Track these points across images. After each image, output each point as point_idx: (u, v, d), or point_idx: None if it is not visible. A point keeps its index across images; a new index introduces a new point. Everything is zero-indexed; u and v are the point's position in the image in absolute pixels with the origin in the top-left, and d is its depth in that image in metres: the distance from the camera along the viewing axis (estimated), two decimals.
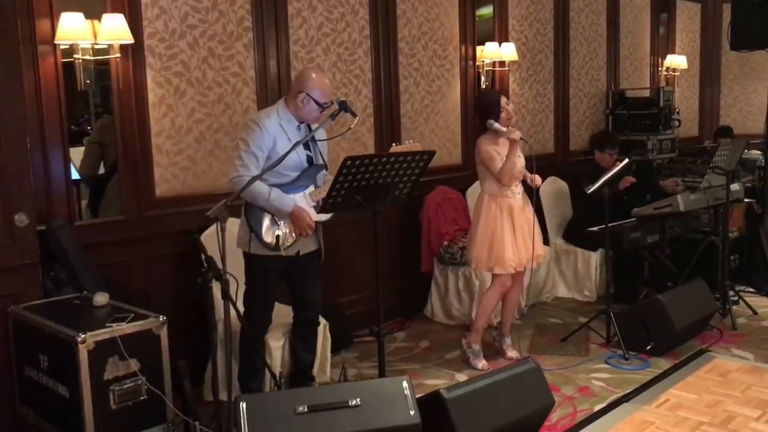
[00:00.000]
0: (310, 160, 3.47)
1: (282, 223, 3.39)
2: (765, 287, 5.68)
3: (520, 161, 4.24)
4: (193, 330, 3.86)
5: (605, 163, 5.54)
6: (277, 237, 3.37)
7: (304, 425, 2.72)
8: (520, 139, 4.12)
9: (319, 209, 3.34)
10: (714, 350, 4.51)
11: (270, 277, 3.50)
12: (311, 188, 3.47)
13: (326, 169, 3.56)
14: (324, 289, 3.78)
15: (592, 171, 5.37)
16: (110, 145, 3.95)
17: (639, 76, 7.75)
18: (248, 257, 3.46)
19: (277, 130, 3.37)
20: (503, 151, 4.19)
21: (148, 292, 3.92)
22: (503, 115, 4.20)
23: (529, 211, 4.29)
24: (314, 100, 3.39)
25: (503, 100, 4.24)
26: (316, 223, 3.48)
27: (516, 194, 4.27)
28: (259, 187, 3.27)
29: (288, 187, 3.39)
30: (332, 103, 3.41)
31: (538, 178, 4.21)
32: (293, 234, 3.41)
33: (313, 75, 3.45)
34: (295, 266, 3.52)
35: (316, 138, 3.51)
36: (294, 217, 3.37)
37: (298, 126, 3.46)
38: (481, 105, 4.43)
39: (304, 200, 3.44)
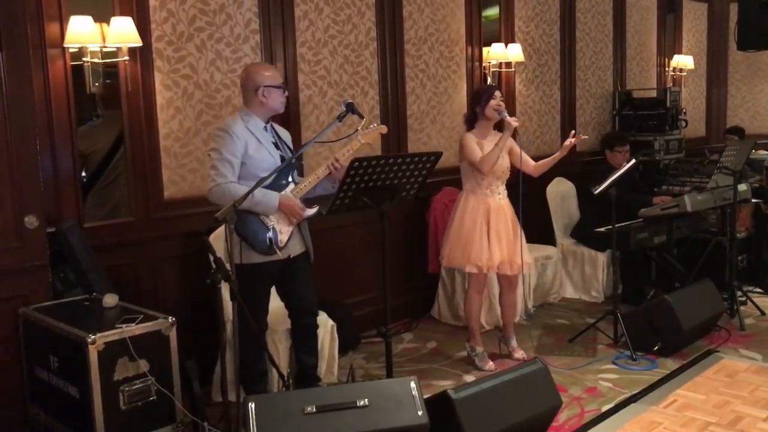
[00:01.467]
0: (283, 160, 3.47)
1: (271, 224, 3.38)
2: None
3: (504, 161, 4.24)
4: (202, 331, 3.88)
5: (616, 161, 5.54)
6: (270, 240, 3.37)
7: (313, 425, 2.73)
8: (515, 129, 4.11)
9: (327, 210, 3.35)
10: (722, 351, 4.50)
11: (263, 284, 3.49)
12: (291, 186, 3.47)
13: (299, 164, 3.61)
14: (331, 290, 3.80)
15: (603, 171, 5.36)
16: (92, 154, 3.94)
17: (646, 76, 7.74)
18: (239, 269, 3.30)
19: (246, 134, 3.37)
20: (489, 148, 4.18)
21: (157, 293, 3.95)
22: (493, 102, 4.18)
23: (513, 217, 4.29)
24: (272, 86, 3.42)
25: (497, 92, 4.25)
26: (301, 223, 3.49)
27: (496, 194, 4.27)
28: (241, 190, 3.21)
29: (270, 188, 3.37)
30: (285, 87, 3.51)
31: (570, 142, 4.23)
32: (285, 232, 3.41)
33: (258, 67, 3.55)
34: (287, 270, 3.51)
35: (318, 140, 3.53)
36: (283, 207, 3.36)
37: (265, 126, 3.47)
38: (475, 92, 4.46)
39: None
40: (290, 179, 3.49)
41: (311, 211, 3.45)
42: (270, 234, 3.36)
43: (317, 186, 3.45)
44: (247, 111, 3.45)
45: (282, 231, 3.40)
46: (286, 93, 3.52)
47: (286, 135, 3.65)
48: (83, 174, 3.94)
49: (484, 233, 4.20)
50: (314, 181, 3.42)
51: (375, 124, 3.59)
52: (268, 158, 3.38)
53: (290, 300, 3.66)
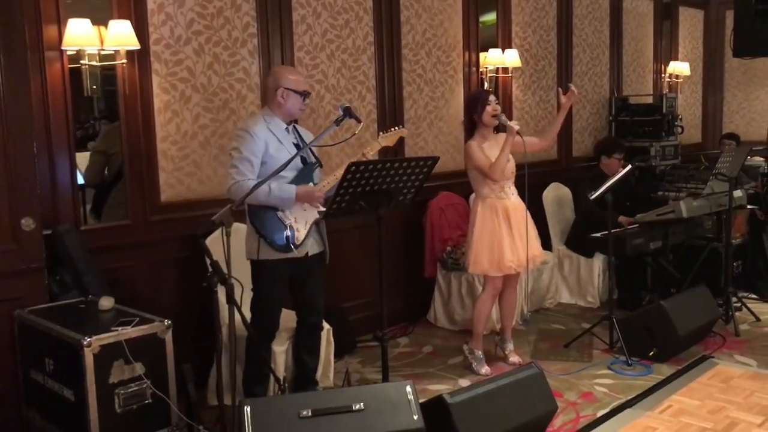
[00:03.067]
0: (303, 159, 3.50)
1: (288, 222, 3.40)
2: None
3: (511, 164, 4.27)
4: (198, 334, 3.88)
5: (613, 168, 5.52)
6: (287, 238, 3.39)
7: (308, 429, 2.73)
8: (517, 133, 4.12)
9: (324, 214, 3.36)
10: (717, 356, 4.51)
11: (280, 282, 3.51)
12: (310, 186, 3.48)
13: (320, 166, 3.60)
14: (327, 294, 3.79)
15: (595, 178, 5.39)
16: (115, 154, 3.95)
17: (642, 82, 7.77)
18: (257, 265, 3.47)
19: (267, 134, 3.41)
20: (491, 152, 4.20)
21: (153, 296, 3.94)
22: (489, 109, 4.20)
23: (525, 212, 4.31)
24: (292, 90, 3.44)
25: (492, 97, 4.26)
26: (319, 223, 3.51)
27: (510, 195, 4.29)
28: (260, 188, 3.26)
29: None
30: (307, 93, 3.52)
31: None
32: (302, 230, 3.43)
33: (284, 69, 3.62)
34: (302, 268, 3.54)
35: (316, 144, 3.55)
36: (302, 197, 3.39)
37: (286, 128, 3.50)
38: (470, 99, 4.42)
39: None
40: (311, 179, 3.51)
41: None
42: (287, 232, 3.40)
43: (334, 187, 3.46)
44: (269, 111, 3.49)
45: (299, 229, 3.43)
46: (307, 101, 3.52)
47: (308, 136, 3.64)
48: (105, 173, 3.98)
49: (508, 235, 4.22)
50: (333, 181, 3.44)
51: (396, 127, 3.63)
52: (288, 158, 3.37)
53: (300, 298, 3.68)
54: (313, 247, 3.53)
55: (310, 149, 3.56)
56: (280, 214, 3.40)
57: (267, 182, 3.27)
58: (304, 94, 3.49)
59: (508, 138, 4.15)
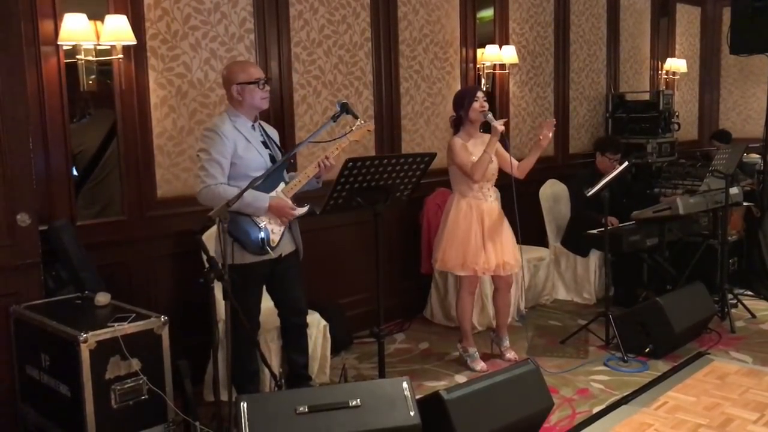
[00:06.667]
0: (272, 159, 3.45)
1: (262, 224, 3.38)
2: (763, 291, 5.70)
3: (493, 165, 4.21)
4: (194, 330, 3.87)
5: (603, 166, 5.55)
6: (262, 240, 3.37)
7: (305, 425, 2.73)
8: (501, 133, 4.05)
9: (321, 210, 3.35)
10: (712, 353, 4.52)
11: (255, 284, 3.48)
12: (282, 185, 3.46)
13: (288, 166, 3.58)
14: (324, 290, 3.80)
15: (590, 174, 5.39)
16: (81, 153, 3.92)
17: (639, 79, 7.77)
18: (231, 269, 3.29)
19: (235, 134, 3.35)
20: (476, 150, 4.17)
21: (150, 292, 3.94)
22: (476, 105, 4.16)
23: (504, 218, 4.29)
24: (245, 83, 3.36)
25: (479, 93, 4.21)
26: (292, 221, 3.49)
27: (487, 197, 4.26)
28: (231, 191, 3.21)
29: (260, 188, 3.35)
30: (269, 79, 3.43)
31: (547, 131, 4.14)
32: (277, 231, 3.40)
33: (232, 65, 3.55)
34: (276, 269, 3.51)
35: (312, 140, 3.53)
36: (274, 209, 3.35)
37: (252, 125, 3.46)
38: (457, 95, 4.34)
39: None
40: (282, 178, 3.48)
41: (302, 210, 3.44)
42: (262, 234, 3.36)
43: (305, 185, 3.44)
44: (233, 110, 3.43)
45: (274, 230, 3.40)
46: (267, 87, 3.42)
47: (274, 133, 3.63)
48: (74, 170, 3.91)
49: (479, 237, 4.19)
50: (304, 179, 3.42)
51: (362, 121, 3.51)
52: (258, 158, 3.36)
53: (279, 299, 3.65)
54: (286, 247, 3.50)
55: (277, 146, 3.53)
56: (253, 216, 3.36)
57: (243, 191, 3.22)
58: (258, 82, 3.38)
59: (492, 138, 4.10)
